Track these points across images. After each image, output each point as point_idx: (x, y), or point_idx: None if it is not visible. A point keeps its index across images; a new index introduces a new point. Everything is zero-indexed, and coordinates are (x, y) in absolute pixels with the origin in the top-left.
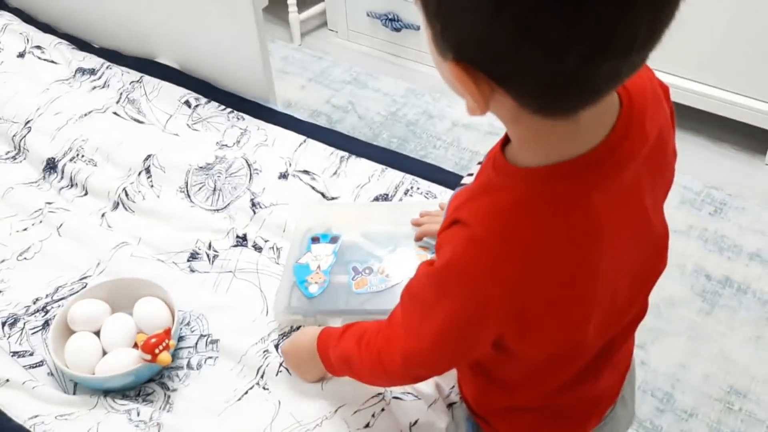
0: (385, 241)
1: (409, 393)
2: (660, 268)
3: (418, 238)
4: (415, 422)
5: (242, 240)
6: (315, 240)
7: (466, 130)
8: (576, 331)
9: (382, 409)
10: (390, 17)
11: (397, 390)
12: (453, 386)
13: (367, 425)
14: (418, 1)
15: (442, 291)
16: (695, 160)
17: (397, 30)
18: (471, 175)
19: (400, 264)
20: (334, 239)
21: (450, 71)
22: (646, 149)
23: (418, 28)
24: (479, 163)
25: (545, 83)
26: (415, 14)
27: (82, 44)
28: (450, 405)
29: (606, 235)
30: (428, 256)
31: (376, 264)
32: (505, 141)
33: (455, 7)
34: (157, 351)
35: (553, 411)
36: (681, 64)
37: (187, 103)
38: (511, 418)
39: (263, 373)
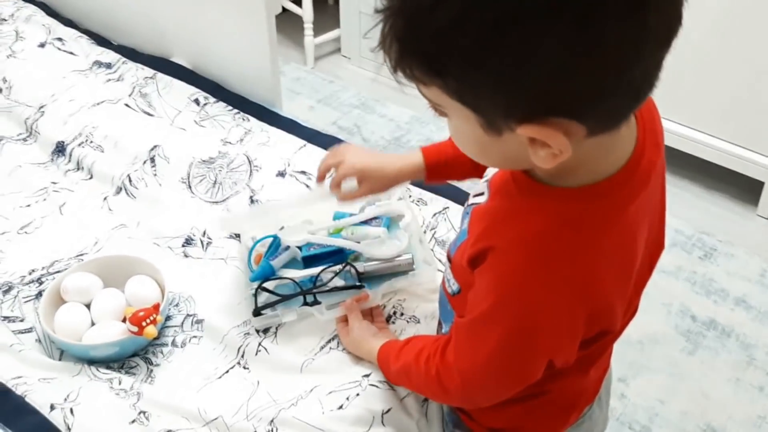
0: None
1: (385, 383)
2: (655, 260)
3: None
4: (388, 410)
5: (236, 235)
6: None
7: None
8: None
9: (357, 394)
10: None
11: (374, 378)
12: None
13: (341, 407)
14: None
15: (493, 320)
16: (689, 206)
17: None
18: (481, 194)
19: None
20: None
21: (520, 136)
22: (662, 157)
23: None
24: (485, 181)
25: (620, 96)
26: None
27: (102, 40)
28: (425, 399)
29: (638, 242)
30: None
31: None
32: None
33: (534, 64)
34: (144, 324)
35: (538, 402)
36: (680, 112)
37: (197, 101)
38: (496, 410)
39: (243, 353)
